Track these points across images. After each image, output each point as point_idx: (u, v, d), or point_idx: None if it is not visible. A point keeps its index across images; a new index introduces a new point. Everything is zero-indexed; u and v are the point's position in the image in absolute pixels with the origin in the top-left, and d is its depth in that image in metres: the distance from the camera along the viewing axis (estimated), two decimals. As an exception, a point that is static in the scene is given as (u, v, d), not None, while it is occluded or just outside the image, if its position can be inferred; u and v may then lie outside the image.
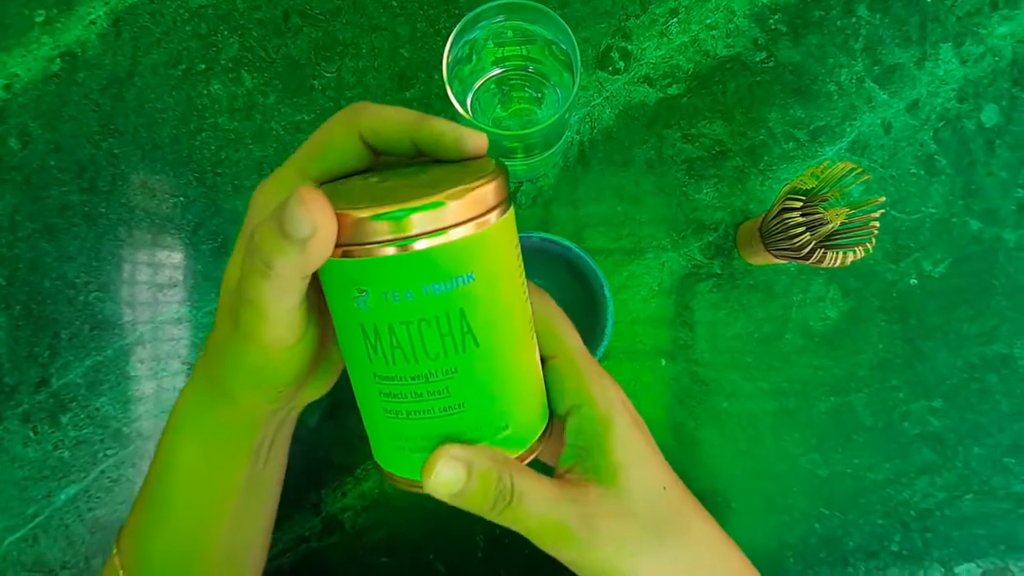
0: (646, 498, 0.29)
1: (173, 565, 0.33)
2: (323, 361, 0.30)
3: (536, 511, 0.27)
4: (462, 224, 0.23)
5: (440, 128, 0.25)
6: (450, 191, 0.22)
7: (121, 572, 0.32)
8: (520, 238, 0.40)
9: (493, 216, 0.24)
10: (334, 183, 0.27)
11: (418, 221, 0.22)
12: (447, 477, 0.25)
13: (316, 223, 0.21)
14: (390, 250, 0.22)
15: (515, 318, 0.26)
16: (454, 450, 0.25)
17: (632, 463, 0.29)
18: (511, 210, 0.26)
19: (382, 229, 0.22)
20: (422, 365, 0.24)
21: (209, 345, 0.29)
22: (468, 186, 0.23)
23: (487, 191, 0.24)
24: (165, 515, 0.32)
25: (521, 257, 0.27)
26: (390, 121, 0.26)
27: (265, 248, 0.22)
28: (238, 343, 0.25)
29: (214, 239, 0.51)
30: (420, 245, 0.22)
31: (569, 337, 0.31)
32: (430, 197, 0.22)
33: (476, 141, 0.26)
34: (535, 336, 0.29)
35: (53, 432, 0.50)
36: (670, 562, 0.29)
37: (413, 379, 0.25)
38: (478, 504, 0.26)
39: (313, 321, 0.26)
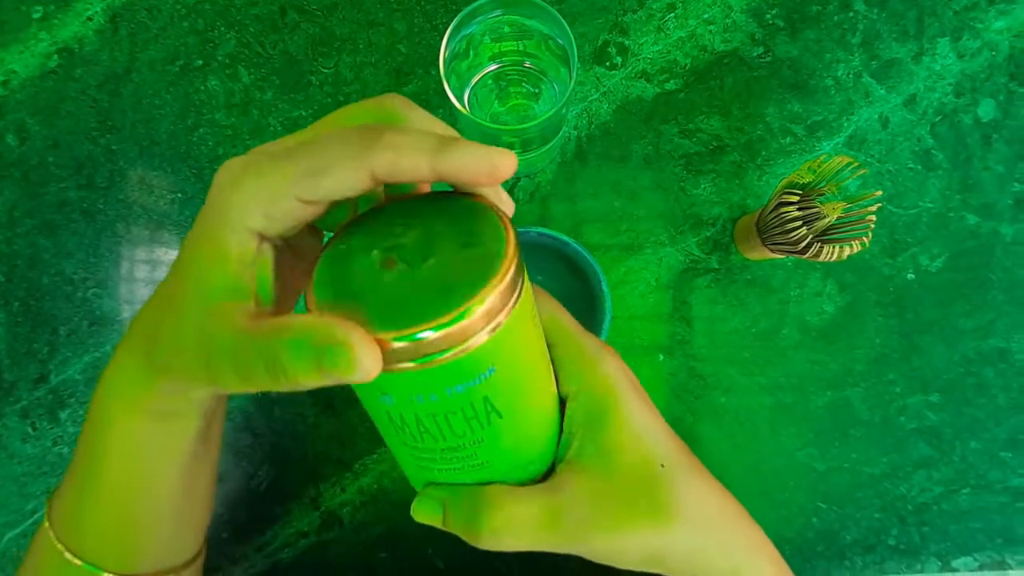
0: (635, 478, 0.29)
1: (111, 540, 0.31)
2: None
3: (510, 539, 0.28)
4: (483, 330, 0.22)
5: (465, 162, 0.23)
6: (470, 300, 0.21)
7: (59, 545, 0.31)
8: (518, 233, 0.40)
9: (512, 303, 0.23)
10: (336, 256, 0.25)
11: (438, 340, 0.21)
12: (426, 515, 0.29)
13: (367, 372, 0.20)
14: (411, 366, 0.22)
15: (537, 380, 0.27)
16: (434, 491, 0.28)
17: (624, 447, 0.29)
18: (526, 284, 0.25)
19: (402, 351, 0.21)
20: (450, 441, 0.25)
21: (140, 326, 0.27)
22: (489, 286, 0.22)
23: (506, 286, 0.22)
24: (101, 492, 0.30)
25: (537, 314, 0.27)
26: (408, 162, 0.23)
27: (293, 373, 0.21)
28: (192, 316, 0.23)
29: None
30: (442, 359, 0.22)
31: (564, 322, 0.31)
32: (449, 314, 0.21)
33: (507, 166, 0.23)
34: (551, 370, 0.29)
35: (52, 428, 0.50)
36: (662, 544, 0.29)
37: (443, 450, 0.26)
38: (462, 535, 0.28)
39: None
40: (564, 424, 0.30)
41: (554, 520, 0.28)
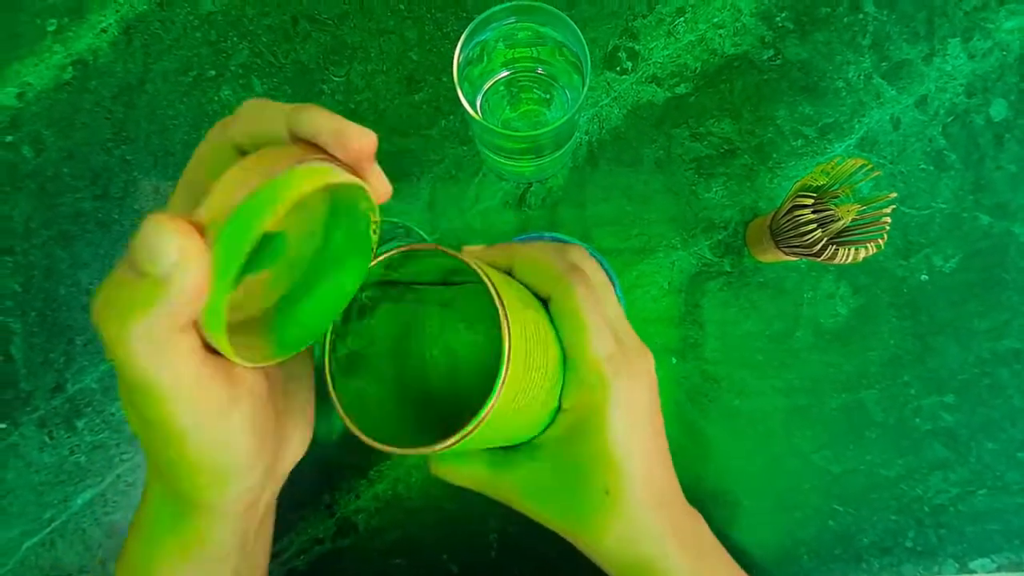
0: (572, 495, 0.32)
1: None
2: (289, 416, 0.29)
3: (453, 481, 0.35)
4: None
5: (316, 123, 0.23)
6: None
7: None
8: (530, 237, 0.41)
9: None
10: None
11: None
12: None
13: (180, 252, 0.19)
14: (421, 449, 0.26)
15: (533, 391, 0.29)
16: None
17: (582, 463, 0.32)
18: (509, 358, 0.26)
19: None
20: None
21: (151, 476, 0.27)
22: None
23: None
24: None
25: (540, 335, 0.29)
26: (263, 129, 0.24)
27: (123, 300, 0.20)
28: (174, 444, 0.23)
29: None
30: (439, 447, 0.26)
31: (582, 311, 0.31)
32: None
33: (360, 141, 0.24)
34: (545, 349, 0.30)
35: (69, 437, 0.51)
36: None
37: None
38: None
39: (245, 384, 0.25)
40: (560, 398, 0.31)
41: (490, 483, 0.33)
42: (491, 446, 0.32)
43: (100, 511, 0.50)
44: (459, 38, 0.37)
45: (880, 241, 0.39)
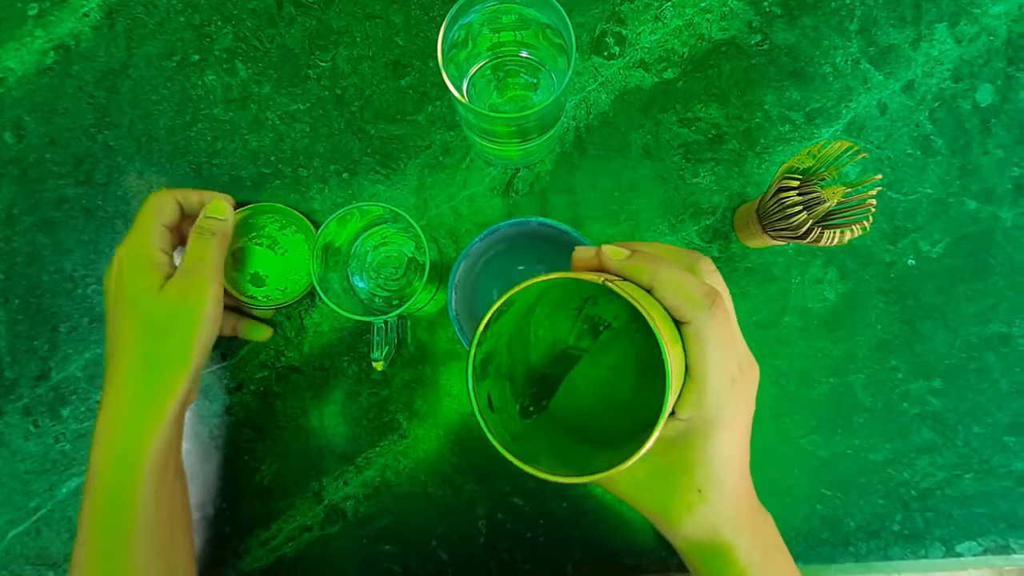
0: (668, 491, 0.34)
1: None
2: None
3: None
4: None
5: (206, 197, 0.47)
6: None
7: None
8: (518, 223, 0.41)
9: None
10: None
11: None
12: None
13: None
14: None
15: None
16: None
17: (686, 467, 0.33)
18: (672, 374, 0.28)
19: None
20: None
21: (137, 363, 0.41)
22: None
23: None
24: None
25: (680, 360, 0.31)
26: (187, 194, 0.46)
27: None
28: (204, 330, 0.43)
29: (212, 230, 0.51)
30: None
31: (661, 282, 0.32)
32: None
33: (220, 201, 0.46)
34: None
35: (54, 425, 0.50)
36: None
37: None
38: None
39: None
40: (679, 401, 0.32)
41: None
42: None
43: (86, 499, 0.50)
44: (443, 19, 0.37)
45: (866, 223, 0.39)
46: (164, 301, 0.42)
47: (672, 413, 0.33)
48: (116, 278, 0.43)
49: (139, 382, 0.41)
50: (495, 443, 0.28)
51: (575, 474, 0.28)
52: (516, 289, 0.28)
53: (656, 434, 0.27)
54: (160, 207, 0.44)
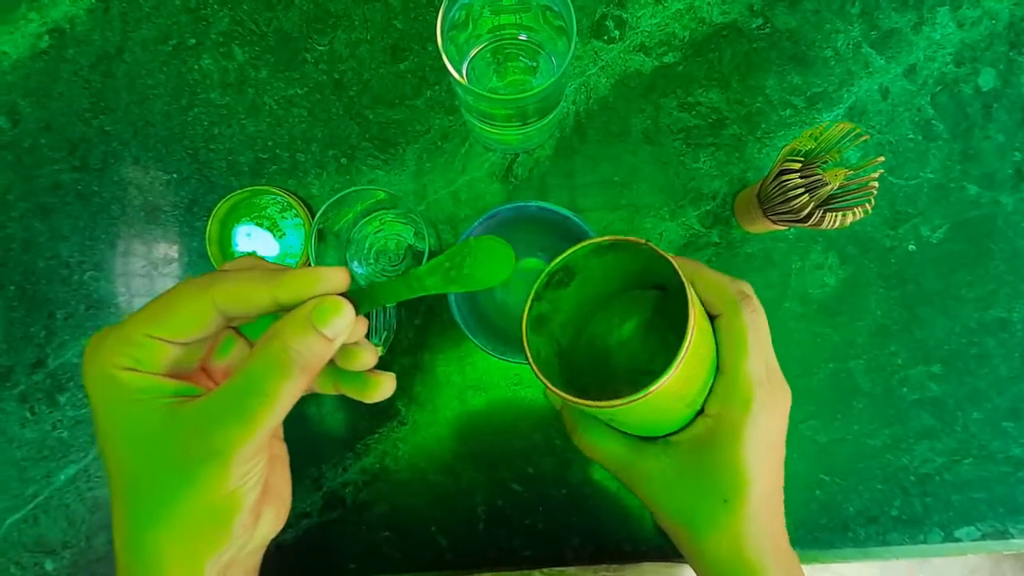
0: (697, 498, 0.34)
1: None
2: (266, 493, 0.30)
3: (589, 454, 0.37)
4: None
5: (299, 279, 0.27)
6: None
7: None
8: (518, 207, 0.41)
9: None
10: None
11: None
12: (554, 396, 0.36)
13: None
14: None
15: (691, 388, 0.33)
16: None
17: (713, 469, 0.34)
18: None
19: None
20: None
21: (127, 540, 0.26)
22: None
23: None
24: None
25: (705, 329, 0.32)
26: (245, 288, 0.26)
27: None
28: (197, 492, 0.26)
29: (208, 215, 0.50)
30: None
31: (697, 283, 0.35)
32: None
33: (336, 274, 0.27)
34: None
35: (51, 412, 0.50)
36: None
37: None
38: (568, 430, 0.39)
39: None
40: (705, 405, 0.34)
41: (623, 465, 0.36)
42: (637, 431, 0.36)
43: (83, 486, 0.50)
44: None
45: (868, 206, 0.38)
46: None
47: (701, 411, 0.34)
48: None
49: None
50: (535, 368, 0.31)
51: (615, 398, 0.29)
52: (567, 252, 0.32)
53: (666, 377, 0.28)
54: (181, 309, 0.27)
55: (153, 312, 0.27)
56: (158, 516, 0.25)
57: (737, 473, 0.32)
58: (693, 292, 0.30)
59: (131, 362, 0.26)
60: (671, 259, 0.30)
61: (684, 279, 0.30)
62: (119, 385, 0.26)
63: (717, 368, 0.34)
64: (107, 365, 0.26)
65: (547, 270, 0.33)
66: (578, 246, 0.32)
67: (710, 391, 0.34)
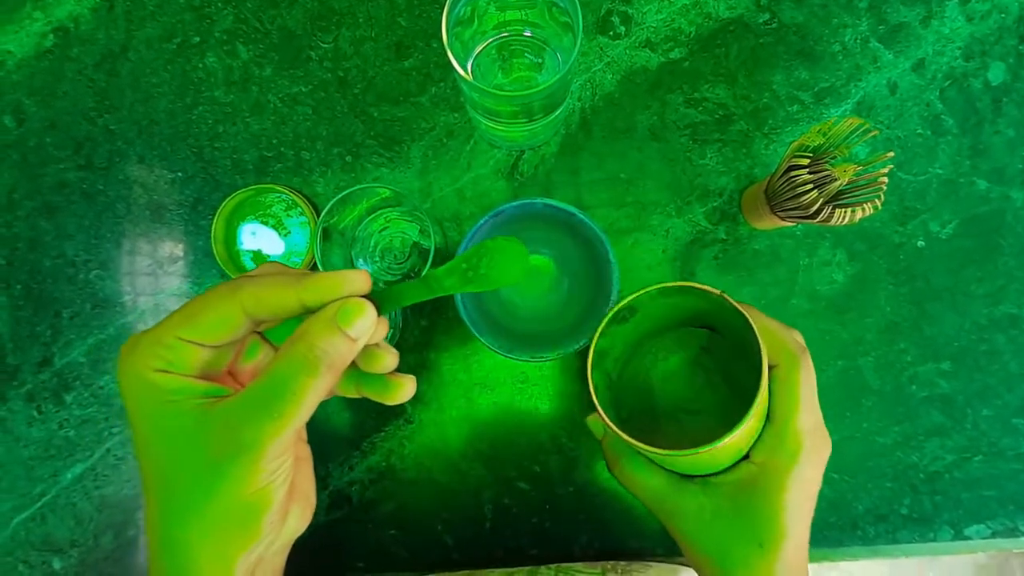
0: (730, 540, 0.35)
1: None
2: (292, 493, 0.30)
3: (628, 487, 0.39)
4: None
5: (324, 282, 0.27)
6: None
7: None
8: (523, 204, 0.41)
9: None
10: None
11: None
12: (596, 426, 0.41)
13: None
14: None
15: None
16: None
17: (749, 514, 0.35)
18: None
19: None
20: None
21: (162, 537, 0.27)
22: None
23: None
24: None
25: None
26: (272, 291, 0.27)
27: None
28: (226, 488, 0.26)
29: (213, 213, 0.50)
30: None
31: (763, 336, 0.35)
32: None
33: (360, 277, 0.28)
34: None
35: (58, 411, 0.50)
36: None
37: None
38: (606, 459, 0.40)
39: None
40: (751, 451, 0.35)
41: (660, 501, 0.36)
42: (681, 471, 0.36)
43: (91, 485, 0.50)
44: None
45: (877, 202, 0.38)
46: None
47: (747, 456, 0.35)
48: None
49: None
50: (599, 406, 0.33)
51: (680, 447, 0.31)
52: (637, 293, 0.34)
53: (757, 405, 0.30)
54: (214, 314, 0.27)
55: (184, 316, 0.27)
56: (191, 513, 0.26)
57: (777, 520, 0.33)
58: (765, 350, 0.31)
59: (164, 364, 0.27)
60: (746, 314, 0.31)
61: (760, 339, 0.31)
62: (153, 387, 0.27)
63: (767, 417, 0.35)
64: (141, 367, 0.27)
65: (615, 308, 0.35)
66: (649, 288, 0.34)
67: (758, 438, 0.34)
